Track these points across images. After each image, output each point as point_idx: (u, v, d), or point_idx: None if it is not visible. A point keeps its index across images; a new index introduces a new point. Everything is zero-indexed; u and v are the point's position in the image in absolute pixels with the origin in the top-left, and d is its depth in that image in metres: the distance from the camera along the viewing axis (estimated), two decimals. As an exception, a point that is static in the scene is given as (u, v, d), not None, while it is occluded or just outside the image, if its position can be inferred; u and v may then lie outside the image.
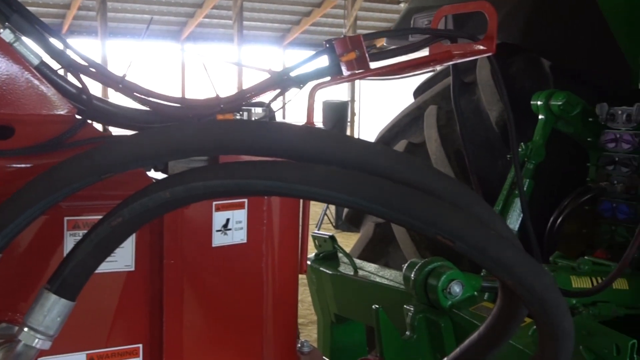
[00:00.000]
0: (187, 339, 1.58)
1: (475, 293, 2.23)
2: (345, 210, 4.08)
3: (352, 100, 25.27)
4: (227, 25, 23.89)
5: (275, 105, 1.82)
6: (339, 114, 13.39)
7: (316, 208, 13.43)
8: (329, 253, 2.69)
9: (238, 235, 1.65)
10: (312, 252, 2.79)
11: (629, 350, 1.58)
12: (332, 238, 2.69)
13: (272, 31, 26.20)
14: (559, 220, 3.09)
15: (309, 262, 2.73)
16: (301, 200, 1.86)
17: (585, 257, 2.62)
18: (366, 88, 25.02)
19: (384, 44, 3.76)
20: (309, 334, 6.13)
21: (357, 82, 25.42)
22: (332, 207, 12.71)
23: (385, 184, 1.08)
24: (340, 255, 2.69)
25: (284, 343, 1.77)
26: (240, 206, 1.65)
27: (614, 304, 2.62)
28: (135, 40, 21.52)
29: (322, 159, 1.11)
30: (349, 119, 19.38)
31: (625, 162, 2.99)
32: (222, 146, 1.13)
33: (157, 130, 1.15)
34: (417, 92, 4.02)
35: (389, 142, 3.78)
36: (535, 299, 1.14)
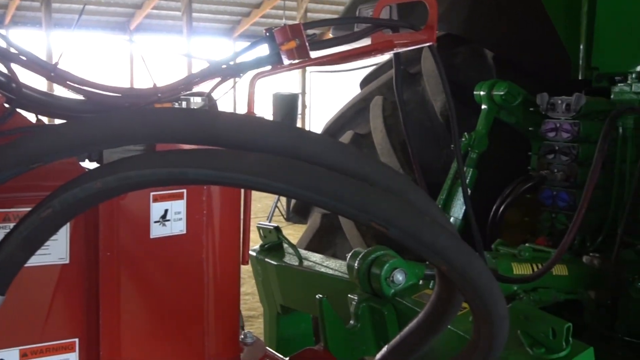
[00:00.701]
0: (125, 332, 1.55)
1: (420, 282, 2.25)
2: (293, 201, 4.07)
3: (303, 92, 25.25)
4: (176, 16, 23.58)
5: (218, 96, 1.80)
6: (289, 106, 13.34)
7: (267, 201, 13.38)
8: (274, 244, 2.68)
9: (177, 226, 1.63)
10: (257, 244, 2.79)
11: (565, 334, 1.61)
12: (277, 229, 2.68)
13: (221, 23, 25.98)
14: (501, 209, 3.14)
15: (253, 254, 2.71)
16: (243, 190, 1.84)
17: (527, 245, 2.66)
18: (317, 81, 25.02)
19: (331, 35, 3.76)
20: (259, 326, 6.11)
21: (308, 74, 25.45)
22: (283, 200, 12.70)
23: (318, 171, 1.08)
24: (285, 246, 2.68)
25: (226, 334, 1.76)
26: (179, 197, 1.63)
27: (554, 290, 2.67)
28: (80, 31, 21.08)
29: (256, 147, 1.10)
30: (299, 112, 19.35)
31: (565, 151, 3.05)
32: (155, 134, 1.11)
33: (88, 119, 1.12)
34: (363, 83, 4.03)
35: (335, 134, 3.79)
36: (468, 284, 1.15)
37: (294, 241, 2.87)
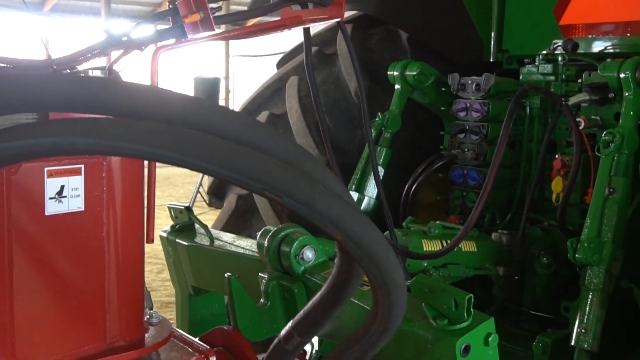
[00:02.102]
0: (19, 314, 1.49)
1: (329, 260, 2.26)
2: (209, 184, 4.02)
3: (227, 77, 24.99)
4: (93, -3, 22.92)
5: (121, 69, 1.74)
6: (210, 90, 13.19)
7: (190, 186, 13.19)
8: (185, 224, 2.63)
9: (75, 202, 1.57)
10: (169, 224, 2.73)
11: (466, 305, 1.64)
12: (188, 209, 2.63)
13: (142, 5, 25.38)
14: (413, 188, 3.19)
15: (164, 235, 2.66)
16: (146, 167, 1.80)
17: (437, 222, 2.71)
18: (241, 65, 24.79)
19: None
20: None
21: (231, 59, 25.18)
22: (206, 185, 12.55)
23: (210, 140, 1.05)
24: (197, 226, 2.64)
25: (130, 314, 1.72)
26: (76, 172, 1.57)
27: (463, 266, 2.73)
28: (-8, 11, 20.19)
29: (147, 115, 1.07)
30: (223, 96, 19.14)
31: (475, 130, 3.12)
32: (42, 101, 1.06)
33: None
34: (280, 64, 4.00)
35: (252, 114, 3.75)
36: (364, 252, 1.15)
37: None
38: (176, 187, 16.34)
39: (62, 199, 1.54)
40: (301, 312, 1.57)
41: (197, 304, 2.68)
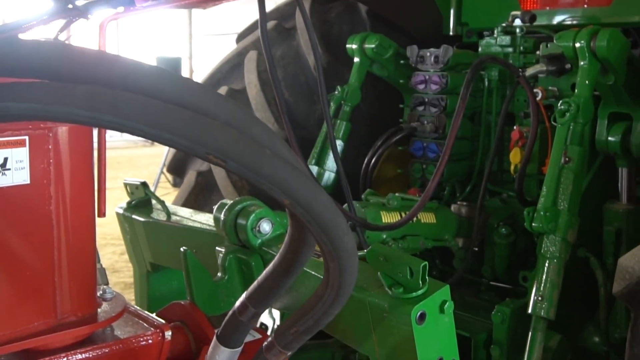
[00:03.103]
0: (-37, 289, 1.45)
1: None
2: (169, 161, 3.96)
3: (190, 57, 24.72)
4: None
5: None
6: (171, 69, 13.02)
7: (154, 167, 13.04)
8: (142, 200, 2.59)
9: (19, 175, 1.53)
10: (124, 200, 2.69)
11: (421, 272, 1.64)
12: (144, 184, 2.59)
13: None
14: (372, 161, 3.18)
15: (120, 211, 2.62)
16: (95, 140, 1.76)
17: (396, 194, 2.70)
18: (204, 45, 24.51)
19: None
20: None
21: (194, 39, 24.89)
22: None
23: (149, 103, 1.02)
24: (153, 202, 2.60)
25: (82, 289, 1.68)
26: (20, 144, 1.53)
27: (422, 237, 2.73)
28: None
29: (84, 79, 1.03)
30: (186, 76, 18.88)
31: (434, 103, 3.11)
32: None
33: None
34: (239, 38, 3.95)
35: (211, 89, 3.70)
36: (312, 217, 1.14)
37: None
38: (139, 168, 16.18)
39: (6, 172, 1.50)
40: (255, 283, 1.55)
41: (155, 281, 2.65)
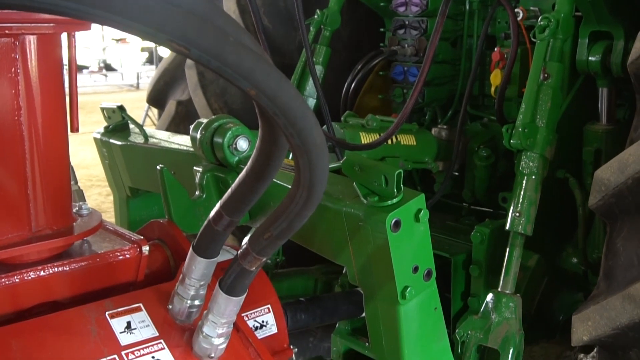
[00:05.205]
0: None
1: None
2: (149, 92, 3.92)
3: None
4: None
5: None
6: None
7: (139, 111, 12.93)
8: (119, 124, 2.57)
9: (-14, 85, 1.50)
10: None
11: (395, 180, 1.63)
12: (121, 108, 2.56)
13: None
14: (353, 85, 3.15)
15: (98, 136, 2.59)
16: (66, 52, 1.72)
17: (375, 115, 2.69)
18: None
19: None
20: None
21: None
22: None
23: None
24: (131, 126, 2.58)
25: (56, 203, 1.68)
26: (-17, 52, 1.50)
27: (402, 159, 2.73)
28: None
29: None
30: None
31: (415, 26, 3.07)
32: None
33: None
34: (217, -34, 3.87)
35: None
36: (279, 108, 1.12)
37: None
38: (124, 111, 15.96)
39: (-28, 81, 1.47)
40: (228, 191, 1.54)
41: (135, 206, 2.64)
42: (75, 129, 1.81)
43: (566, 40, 2.52)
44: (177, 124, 3.50)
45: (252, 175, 1.46)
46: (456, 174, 3.11)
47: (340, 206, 1.73)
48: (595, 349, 2.19)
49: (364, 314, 1.98)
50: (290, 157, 2.13)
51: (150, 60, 24.29)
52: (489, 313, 2.30)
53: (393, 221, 1.64)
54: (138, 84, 22.44)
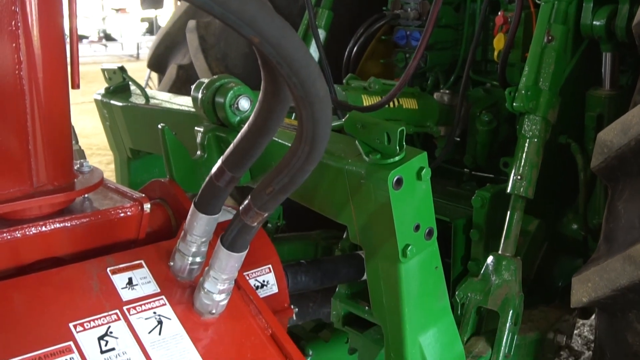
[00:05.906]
0: None
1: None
2: (149, 57, 3.90)
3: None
4: None
5: None
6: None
7: (140, 81, 12.90)
8: (120, 85, 2.55)
9: (-16, 38, 1.49)
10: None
11: (398, 137, 1.63)
12: (122, 69, 2.54)
13: None
14: (355, 49, 3.13)
15: (98, 97, 2.58)
16: (66, 7, 1.70)
17: (378, 78, 2.67)
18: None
19: None
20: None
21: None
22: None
23: None
24: (132, 87, 2.56)
25: (57, 159, 1.67)
26: (-16, 5, 1.48)
27: (404, 122, 2.72)
28: None
29: None
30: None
31: (418, -12, 3.04)
32: None
33: None
34: None
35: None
36: (282, 57, 1.11)
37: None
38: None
39: (-28, 34, 1.46)
40: (230, 147, 1.53)
41: (136, 168, 2.64)
42: (76, 86, 1.80)
43: (571, 3, 2.50)
44: (178, 88, 3.48)
45: (254, 130, 1.45)
46: (457, 139, 3.10)
47: (342, 164, 1.73)
48: (594, 315, 2.20)
49: (364, 277, 1.98)
50: (293, 117, 2.13)
51: (150, 31, 24.12)
52: (489, 275, 2.31)
53: (395, 179, 1.64)
54: (138, 54, 22.32)
